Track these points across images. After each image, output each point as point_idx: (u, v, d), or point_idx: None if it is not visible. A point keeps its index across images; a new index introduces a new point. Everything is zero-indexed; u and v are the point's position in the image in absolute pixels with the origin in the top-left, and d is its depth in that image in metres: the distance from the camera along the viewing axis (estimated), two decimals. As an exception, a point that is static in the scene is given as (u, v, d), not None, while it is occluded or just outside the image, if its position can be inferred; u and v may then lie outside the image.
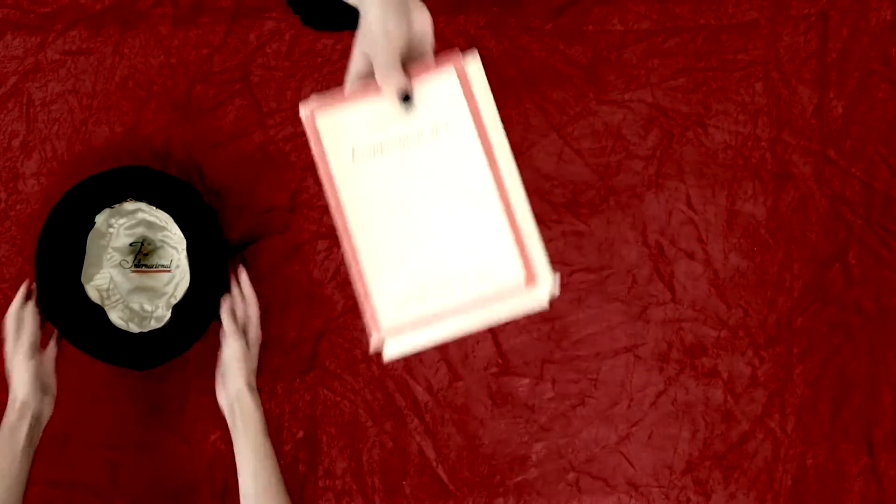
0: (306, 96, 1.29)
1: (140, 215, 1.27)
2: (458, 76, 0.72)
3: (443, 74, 0.72)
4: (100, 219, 1.24)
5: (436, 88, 0.71)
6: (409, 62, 0.71)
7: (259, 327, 1.22)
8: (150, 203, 1.23)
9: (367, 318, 0.70)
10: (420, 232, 0.70)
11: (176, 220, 1.23)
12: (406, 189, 0.70)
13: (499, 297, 0.69)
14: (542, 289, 0.69)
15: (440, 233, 0.70)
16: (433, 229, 0.70)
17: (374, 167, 0.70)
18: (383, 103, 0.70)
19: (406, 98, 0.69)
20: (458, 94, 0.71)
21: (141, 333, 1.24)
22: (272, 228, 1.30)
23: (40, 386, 1.16)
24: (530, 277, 0.69)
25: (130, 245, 1.29)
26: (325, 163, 0.71)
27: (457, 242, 0.70)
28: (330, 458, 1.29)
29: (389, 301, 0.69)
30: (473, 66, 0.73)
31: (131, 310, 1.27)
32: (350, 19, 0.74)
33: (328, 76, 1.30)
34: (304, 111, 0.72)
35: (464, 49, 1.30)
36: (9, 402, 1.14)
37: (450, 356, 1.30)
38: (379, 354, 0.69)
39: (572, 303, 1.29)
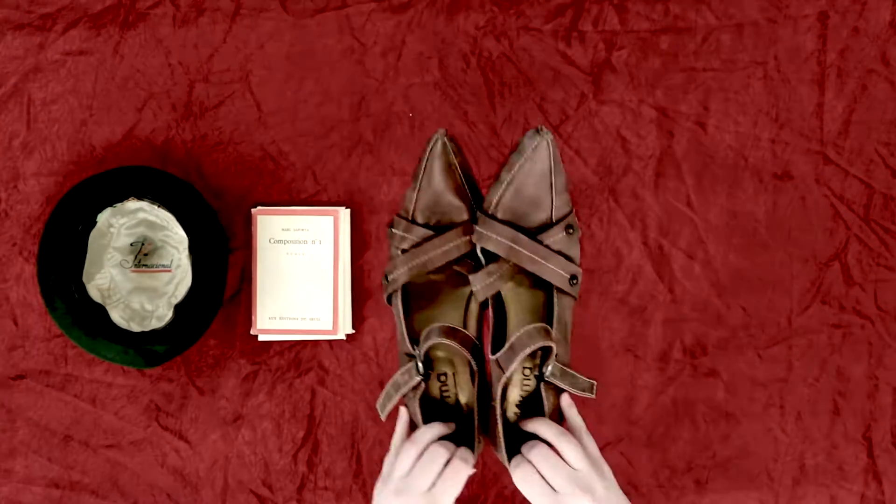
0: (306, 97, 1.30)
1: (141, 215, 1.27)
2: (334, 219, 1.25)
3: (326, 216, 1.25)
4: (101, 218, 1.24)
5: (321, 221, 1.26)
6: None
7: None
8: (152, 202, 1.23)
9: (253, 317, 1.25)
10: (290, 285, 1.26)
11: (177, 220, 1.23)
12: (291, 263, 1.27)
13: (318, 332, 1.24)
14: (341, 334, 1.25)
15: (299, 288, 1.26)
16: (297, 286, 1.26)
17: (278, 248, 1.27)
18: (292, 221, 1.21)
19: None
20: (331, 228, 1.25)
21: (142, 332, 1.24)
22: (272, 228, 1.30)
23: None
24: (336, 328, 1.25)
25: (131, 245, 1.29)
26: (255, 239, 1.28)
27: (308, 297, 1.25)
28: (330, 458, 1.29)
29: (263, 314, 1.27)
30: (343, 216, 1.26)
31: (132, 309, 1.27)
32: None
33: (328, 76, 1.30)
34: (253, 211, 1.26)
35: (473, 51, 1.30)
36: None
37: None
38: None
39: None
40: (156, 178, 1.26)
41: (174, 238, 1.29)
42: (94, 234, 1.24)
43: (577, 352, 1.29)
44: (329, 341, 1.29)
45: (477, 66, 1.30)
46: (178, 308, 1.23)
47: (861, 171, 1.30)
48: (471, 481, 1.29)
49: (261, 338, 1.29)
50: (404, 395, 0.81)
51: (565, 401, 0.85)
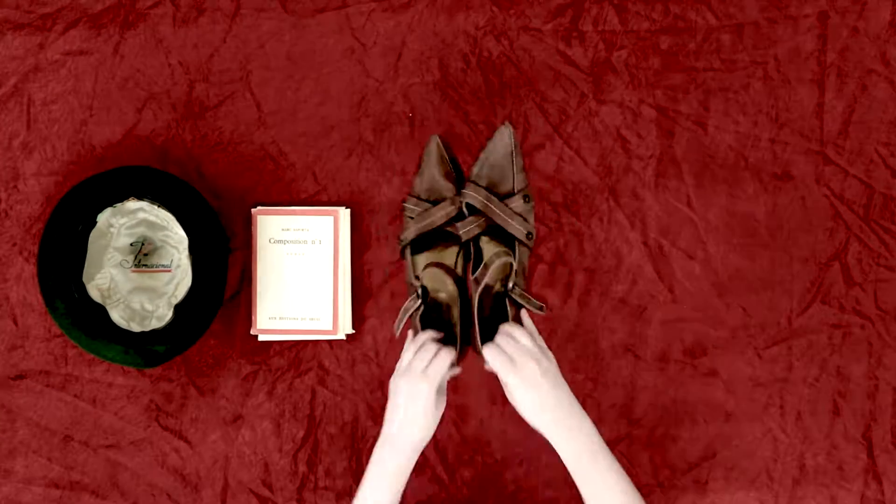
0: (306, 97, 1.30)
1: (141, 215, 1.27)
2: (334, 218, 1.28)
3: (326, 216, 1.28)
4: (101, 218, 1.24)
5: (321, 221, 1.28)
6: None
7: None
8: (152, 202, 1.23)
9: (253, 317, 1.29)
10: (290, 285, 1.29)
11: (177, 220, 1.23)
12: (290, 262, 1.29)
13: (317, 332, 1.29)
14: (341, 334, 1.29)
15: (299, 288, 1.29)
16: (297, 286, 1.29)
17: (278, 248, 1.29)
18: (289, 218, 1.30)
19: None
20: (331, 228, 1.28)
21: (142, 333, 1.24)
22: (272, 228, 1.30)
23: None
24: (335, 328, 1.28)
25: (131, 245, 1.29)
26: (255, 239, 1.29)
27: (308, 297, 1.28)
28: (330, 458, 1.29)
29: (263, 314, 1.29)
30: (343, 215, 1.28)
31: (132, 309, 1.27)
32: None
33: (328, 76, 1.30)
34: (253, 211, 1.29)
35: (465, 50, 1.30)
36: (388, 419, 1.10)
37: (450, 356, 1.30)
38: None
39: (572, 303, 1.29)
40: (156, 178, 1.25)
41: (174, 238, 1.29)
42: (94, 234, 1.24)
43: (578, 352, 1.29)
44: (329, 341, 1.29)
45: (477, 66, 1.30)
46: (178, 308, 1.23)
47: (861, 171, 1.30)
48: (471, 482, 1.29)
49: (261, 338, 1.29)
50: (410, 316, 1.11)
51: (523, 312, 1.13)
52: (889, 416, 1.29)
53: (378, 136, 1.30)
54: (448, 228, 1.12)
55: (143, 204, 1.25)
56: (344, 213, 1.29)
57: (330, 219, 1.29)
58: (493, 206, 1.10)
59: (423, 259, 1.14)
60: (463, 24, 1.30)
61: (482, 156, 1.12)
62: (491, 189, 1.10)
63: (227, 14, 1.30)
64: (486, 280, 1.08)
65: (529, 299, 1.12)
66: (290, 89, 1.30)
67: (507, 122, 1.12)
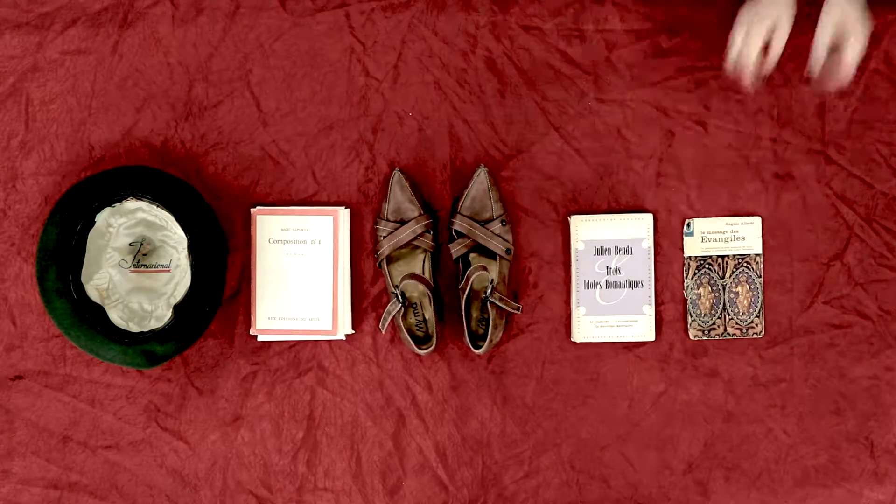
0: (305, 96, 1.29)
1: (140, 215, 1.27)
2: (334, 219, 1.29)
3: (326, 216, 1.29)
4: (100, 218, 1.24)
5: (321, 221, 1.29)
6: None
7: None
8: (151, 202, 1.23)
9: (252, 317, 1.30)
10: (289, 285, 1.30)
11: (176, 220, 1.23)
12: (289, 262, 1.30)
13: (317, 332, 1.30)
14: (340, 334, 1.30)
15: (299, 288, 1.30)
16: (297, 286, 1.30)
17: (277, 248, 1.30)
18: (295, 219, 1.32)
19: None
20: (330, 228, 1.29)
21: (141, 333, 1.23)
22: (272, 228, 1.30)
23: None
24: (335, 329, 1.30)
25: (130, 245, 1.29)
26: (254, 239, 1.29)
27: (307, 297, 1.30)
28: (330, 458, 1.29)
29: (262, 314, 1.30)
30: (343, 215, 1.30)
31: (131, 309, 1.27)
32: None
33: (328, 75, 1.30)
34: (253, 211, 1.29)
35: (469, 47, 1.30)
36: None
37: (449, 356, 1.30)
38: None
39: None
40: (155, 178, 1.25)
41: (173, 238, 1.29)
42: (92, 233, 1.24)
43: (577, 352, 1.29)
44: (328, 341, 1.29)
45: (477, 65, 1.30)
46: (178, 308, 1.22)
47: (862, 170, 1.30)
48: (471, 483, 1.29)
49: (260, 338, 1.29)
50: (393, 316, 1.27)
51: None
52: (890, 416, 1.29)
53: (378, 136, 1.30)
54: (415, 242, 1.29)
55: (142, 204, 1.25)
56: (344, 213, 1.29)
57: (329, 219, 1.28)
58: (475, 230, 1.28)
59: (397, 267, 1.31)
60: (463, 24, 1.30)
61: (465, 192, 1.29)
62: (474, 217, 1.28)
63: (227, 13, 1.30)
64: (468, 290, 1.26)
65: (508, 302, 1.27)
66: (290, 89, 1.30)
67: (482, 166, 1.28)
